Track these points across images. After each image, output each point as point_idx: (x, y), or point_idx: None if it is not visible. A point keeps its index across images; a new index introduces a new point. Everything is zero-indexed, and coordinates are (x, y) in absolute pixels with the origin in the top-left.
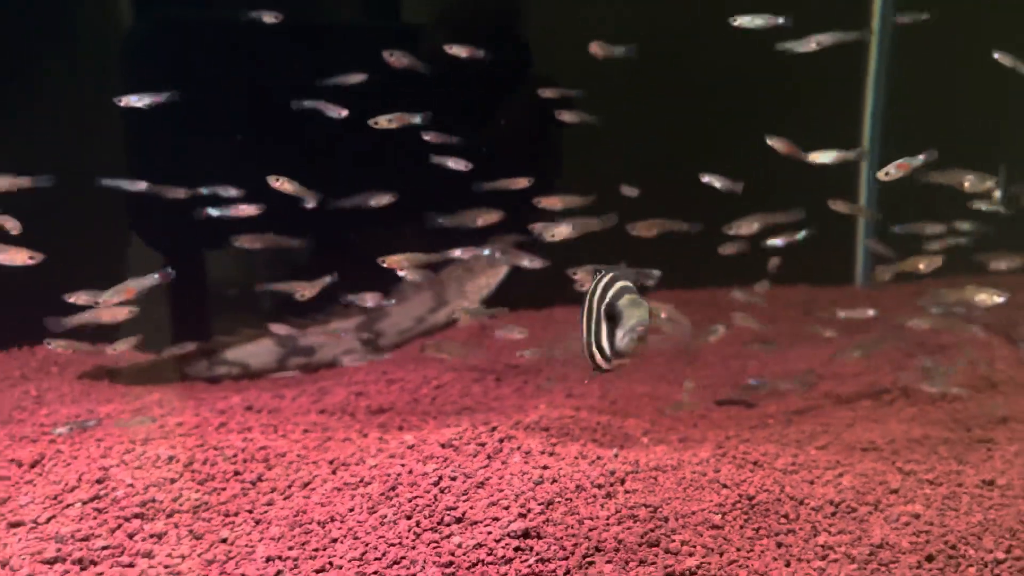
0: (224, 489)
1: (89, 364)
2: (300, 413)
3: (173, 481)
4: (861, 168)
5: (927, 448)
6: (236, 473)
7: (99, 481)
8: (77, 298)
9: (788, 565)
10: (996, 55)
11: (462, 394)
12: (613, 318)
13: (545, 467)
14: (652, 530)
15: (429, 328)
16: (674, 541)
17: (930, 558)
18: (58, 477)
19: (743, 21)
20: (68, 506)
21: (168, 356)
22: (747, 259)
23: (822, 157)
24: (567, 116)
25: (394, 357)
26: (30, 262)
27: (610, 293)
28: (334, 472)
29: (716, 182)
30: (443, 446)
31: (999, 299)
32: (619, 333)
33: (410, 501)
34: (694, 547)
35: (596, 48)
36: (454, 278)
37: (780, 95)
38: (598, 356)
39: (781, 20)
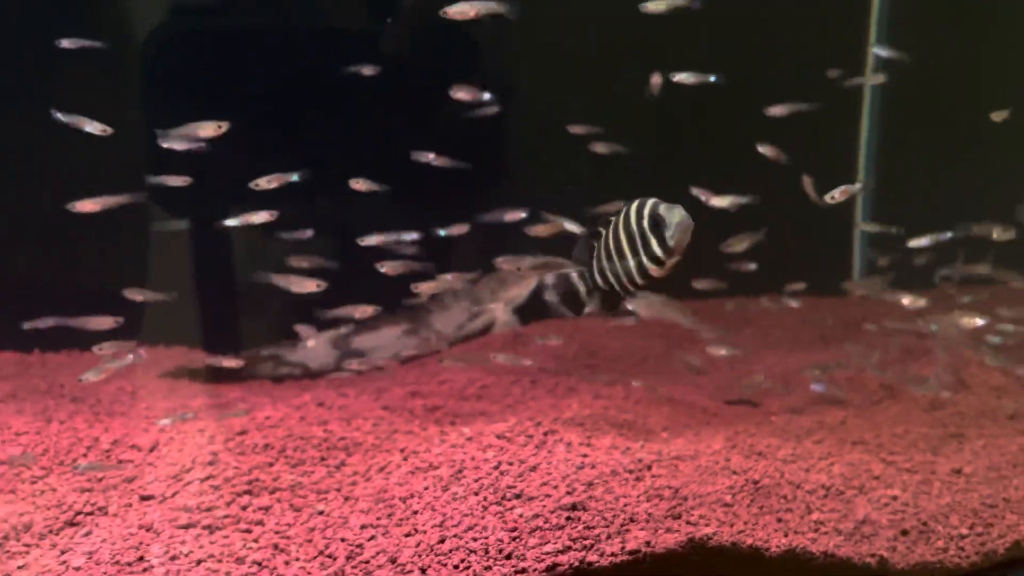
0: (313, 472)
1: (168, 364)
2: (366, 409)
3: (271, 465)
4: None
5: (907, 441)
6: (322, 459)
7: (210, 463)
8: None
9: (786, 536)
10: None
11: (503, 394)
12: (657, 224)
13: (584, 455)
14: (675, 506)
15: (468, 334)
16: (693, 515)
17: (905, 532)
18: (174, 460)
19: (681, 77)
20: (188, 484)
21: (238, 357)
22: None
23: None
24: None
25: (433, 363)
26: (317, 289)
27: (647, 207)
28: (405, 459)
29: (710, 198)
30: (498, 437)
31: (980, 322)
32: (668, 233)
33: (476, 481)
34: (709, 520)
35: (655, 80)
36: (489, 289)
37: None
38: (627, 284)
39: (712, 79)
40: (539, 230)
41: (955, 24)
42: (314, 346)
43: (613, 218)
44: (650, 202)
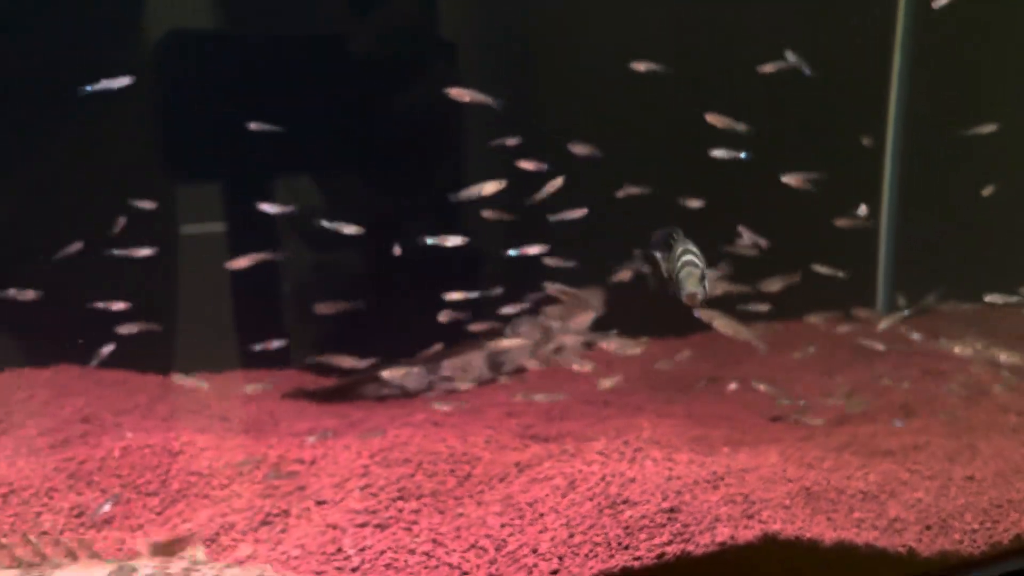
0: (446, 482)
1: (287, 387)
2: (473, 427)
3: (412, 475)
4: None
5: (927, 452)
6: (451, 471)
7: (364, 475)
8: None
9: (835, 531)
10: None
11: (581, 415)
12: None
13: (670, 468)
14: (747, 509)
15: (540, 359)
16: (762, 515)
17: (928, 527)
18: (334, 471)
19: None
20: (350, 491)
21: (349, 380)
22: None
23: None
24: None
25: (518, 384)
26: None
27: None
28: (520, 472)
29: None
30: (598, 453)
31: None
32: (680, 293)
33: (588, 490)
34: (776, 519)
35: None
36: (555, 317)
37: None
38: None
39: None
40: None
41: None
42: (414, 372)
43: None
44: (684, 257)
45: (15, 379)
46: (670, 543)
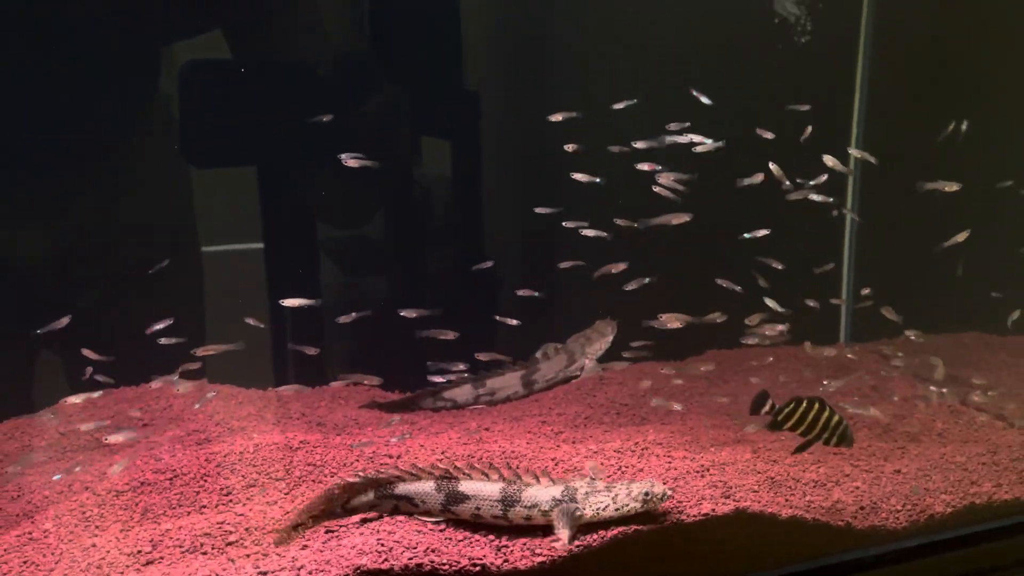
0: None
1: (363, 398)
2: (516, 433)
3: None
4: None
5: (868, 452)
6: (508, 465)
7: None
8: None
9: (790, 508)
10: None
11: (599, 423)
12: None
13: (669, 461)
14: (725, 491)
15: (565, 378)
16: (736, 496)
17: (862, 508)
18: (421, 457)
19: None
20: None
21: (411, 395)
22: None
23: None
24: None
25: (546, 398)
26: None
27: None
28: (556, 464)
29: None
30: (616, 451)
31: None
32: None
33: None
34: (747, 499)
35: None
36: (578, 344)
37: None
38: None
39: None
40: None
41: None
42: (465, 388)
43: None
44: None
45: (151, 391)
46: (668, 513)
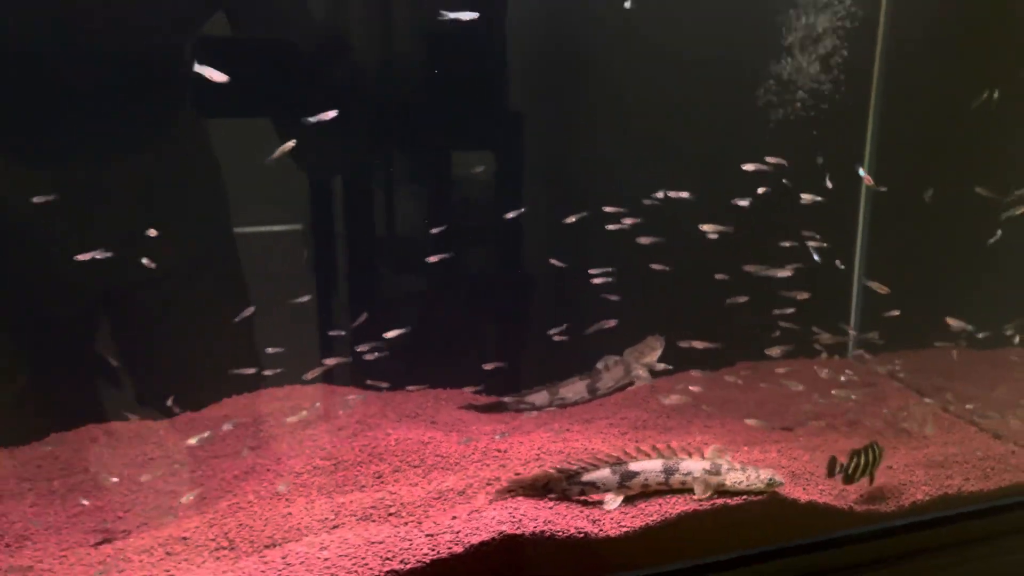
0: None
1: (459, 400)
2: (591, 432)
3: (566, 459)
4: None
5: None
6: (590, 457)
7: (537, 459)
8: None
9: (807, 495)
10: None
11: (655, 426)
12: None
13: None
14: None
15: (622, 386)
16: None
17: (861, 496)
18: (518, 457)
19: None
20: (542, 464)
21: (500, 399)
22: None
23: None
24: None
25: (608, 403)
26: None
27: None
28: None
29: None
30: (680, 449)
31: None
32: None
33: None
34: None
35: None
36: (633, 356)
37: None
38: None
39: None
40: None
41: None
42: (543, 393)
43: None
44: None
45: (291, 392)
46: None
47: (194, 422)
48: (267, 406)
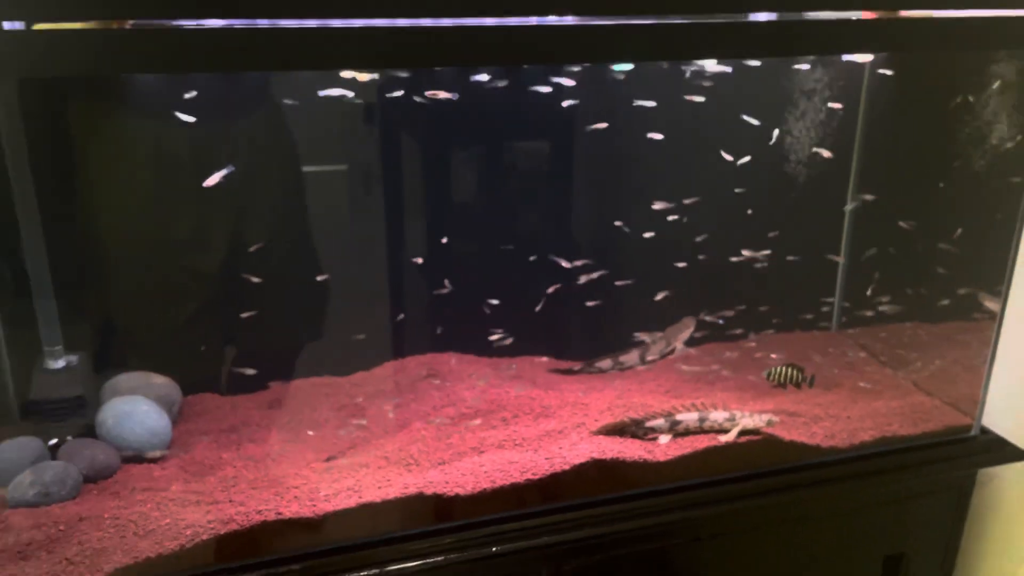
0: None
1: (547, 366)
2: (644, 392)
3: (627, 411)
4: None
5: (838, 405)
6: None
7: (609, 409)
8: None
9: (789, 435)
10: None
11: (691, 388)
12: None
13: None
14: (763, 425)
15: (663, 355)
16: (766, 430)
17: (827, 436)
18: (596, 406)
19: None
20: (614, 413)
21: (577, 364)
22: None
23: None
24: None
25: (655, 368)
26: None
27: None
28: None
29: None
30: (724, 408)
31: None
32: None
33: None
34: (772, 430)
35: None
36: (672, 332)
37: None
38: None
39: None
40: None
41: None
42: (607, 361)
43: None
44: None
45: (433, 360)
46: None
47: (366, 379)
48: (415, 371)
